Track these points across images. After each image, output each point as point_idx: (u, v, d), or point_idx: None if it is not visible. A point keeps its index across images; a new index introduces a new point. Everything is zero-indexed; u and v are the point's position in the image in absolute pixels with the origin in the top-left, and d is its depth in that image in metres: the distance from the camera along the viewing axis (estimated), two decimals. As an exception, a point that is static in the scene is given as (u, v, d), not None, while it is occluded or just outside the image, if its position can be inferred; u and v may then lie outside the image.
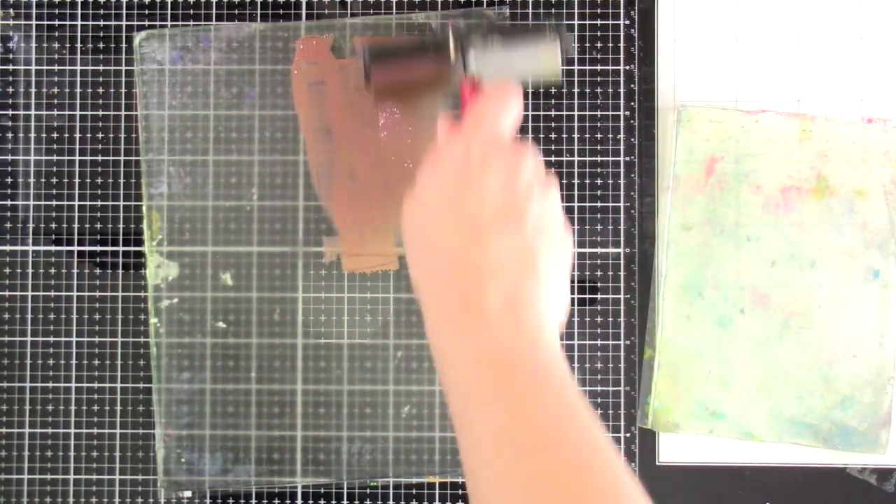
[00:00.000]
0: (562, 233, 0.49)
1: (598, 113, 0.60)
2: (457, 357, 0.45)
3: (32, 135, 0.60)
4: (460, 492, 0.59)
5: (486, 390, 0.44)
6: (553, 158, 0.59)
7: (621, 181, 0.60)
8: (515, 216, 0.47)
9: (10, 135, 0.60)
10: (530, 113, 0.59)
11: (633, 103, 0.60)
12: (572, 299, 0.59)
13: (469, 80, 0.51)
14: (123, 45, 0.60)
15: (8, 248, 0.60)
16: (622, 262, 0.59)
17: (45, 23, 0.60)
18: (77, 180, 0.60)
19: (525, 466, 0.42)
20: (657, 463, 0.59)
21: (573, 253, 0.50)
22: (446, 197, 0.47)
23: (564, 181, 0.59)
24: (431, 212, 0.48)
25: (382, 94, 0.54)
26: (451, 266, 0.46)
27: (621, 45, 0.60)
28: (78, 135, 0.60)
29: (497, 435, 0.43)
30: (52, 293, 0.60)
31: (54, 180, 0.60)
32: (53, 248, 0.60)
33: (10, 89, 0.60)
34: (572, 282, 0.59)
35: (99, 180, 0.60)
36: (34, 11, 0.60)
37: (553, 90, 0.60)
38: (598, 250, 0.59)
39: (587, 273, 0.59)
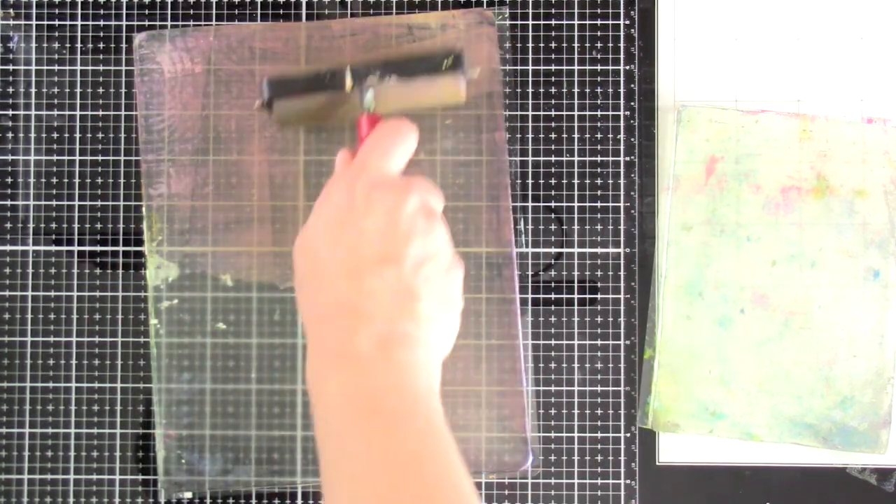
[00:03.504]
0: (447, 265, 0.50)
1: (598, 113, 0.60)
2: (326, 391, 0.47)
3: (32, 135, 0.60)
4: (460, 492, 0.59)
5: (349, 426, 0.45)
6: (553, 158, 0.59)
7: (621, 181, 0.60)
8: (395, 256, 0.48)
9: (10, 135, 0.60)
10: (530, 113, 0.59)
11: (633, 103, 0.60)
12: (572, 300, 0.59)
13: (367, 115, 0.53)
14: (123, 45, 0.60)
15: (8, 248, 0.60)
16: (622, 262, 0.59)
17: (45, 23, 0.60)
18: (77, 180, 0.60)
19: (376, 501, 0.43)
20: (657, 463, 0.59)
21: (461, 282, 0.52)
22: (330, 235, 0.49)
23: (564, 181, 0.59)
24: (317, 249, 0.49)
25: (284, 123, 0.56)
26: (329, 306, 0.48)
27: (621, 45, 0.60)
28: (78, 135, 0.60)
29: (353, 469, 0.44)
30: (52, 293, 0.60)
31: (54, 180, 0.60)
32: (53, 248, 0.60)
33: (10, 89, 0.60)
34: (572, 282, 0.59)
35: (99, 180, 0.60)
36: (34, 11, 0.60)
37: (553, 90, 0.60)
38: (598, 250, 0.59)
39: (587, 273, 0.59)
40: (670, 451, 0.59)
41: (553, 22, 0.60)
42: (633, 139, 0.60)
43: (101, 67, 0.60)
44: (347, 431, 0.45)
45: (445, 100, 0.56)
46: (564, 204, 0.59)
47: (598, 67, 0.60)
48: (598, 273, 0.59)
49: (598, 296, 0.59)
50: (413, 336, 0.47)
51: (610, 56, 0.60)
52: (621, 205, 0.60)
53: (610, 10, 0.60)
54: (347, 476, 0.44)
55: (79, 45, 0.60)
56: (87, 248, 0.60)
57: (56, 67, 0.60)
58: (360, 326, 0.47)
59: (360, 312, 0.47)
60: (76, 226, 0.60)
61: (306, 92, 0.54)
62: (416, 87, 0.54)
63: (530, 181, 0.59)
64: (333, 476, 0.45)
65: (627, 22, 0.60)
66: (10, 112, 0.60)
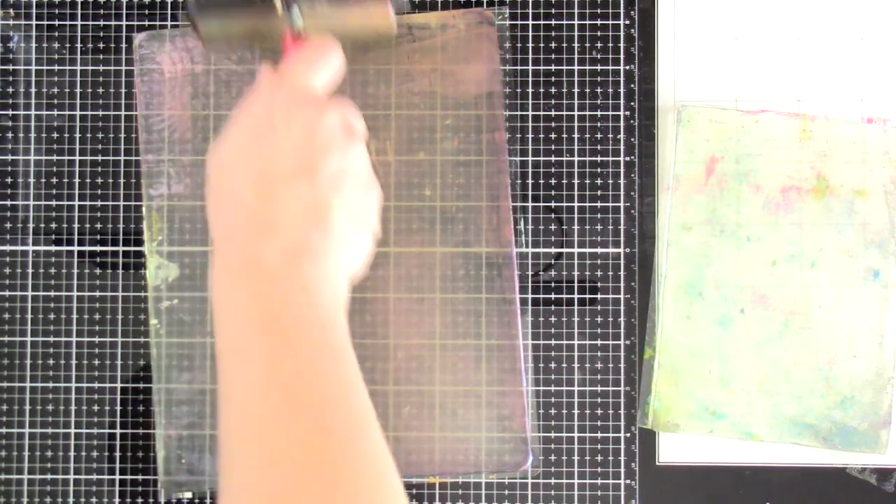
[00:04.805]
0: (364, 185, 0.50)
1: (598, 113, 0.60)
2: (228, 303, 0.46)
3: (32, 135, 0.60)
4: (460, 492, 0.59)
5: (249, 338, 0.45)
6: (553, 158, 0.59)
7: (621, 181, 0.60)
8: (309, 169, 0.47)
9: (10, 135, 0.60)
10: (530, 113, 0.59)
11: (633, 103, 0.60)
12: (572, 300, 0.59)
13: (292, 33, 0.52)
14: (123, 45, 0.60)
15: (8, 248, 0.60)
16: (622, 262, 0.59)
17: (45, 23, 0.60)
18: (77, 180, 0.60)
19: (269, 415, 0.43)
20: (657, 463, 0.59)
21: (379, 204, 0.51)
22: (244, 147, 0.48)
23: (564, 181, 0.59)
24: (230, 161, 0.48)
25: (212, 45, 0.54)
26: (239, 217, 0.47)
27: (621, 45, 0.60)
28: (78, 135, 0.60)
29: (249, 382, 0.44)
30: (52, 293, 0.60)
31: (54, 180, 0.60)
32: (53, 248, 0.60)
33: (10, 89, 0.60)
34: (572, 282, 0.59)
35: (99, 180, 0.60)
36: (34, 11, 0.60)
37: (553, 90, 0.60)
38: (598, 250, 0.59)
39: (587, 273, 0.59)
40: (670, 451, 0.59)
41: (553, 22, 0.60)
42: (633, 139, 0.60)
43: (101, 67, 0.60)
44: (246, 345, 0.44)
45: (375, 27, 0.53)
46: (564, 204, 0.59)
47: (598, 67, 0.60)
48: (598, 273, 0.59)
49: (598, 296, 0.59)
50: (322, 250, 0.46)
51: (610, 56, 0.60)
52: (621, 205, 0.60)
53: (610, 10, 0.60)
54: (243, 390, 0.44)
55: (79, 45, 0.60)
56: (87, 248, 0.60)
57: (56, 67, 0.60)
58: (268, 238, 0.46)
59: (269, 224, 0.46)
60: (76, 226, 0.60)
61: (235, 9, 0.52)
62: (345, 11, 0.53)
63: (530, 181, 0.59)
64: (230, 390, 0.44)
65: (627, 22, 0.60)
66: (10, 112, 0.60)
